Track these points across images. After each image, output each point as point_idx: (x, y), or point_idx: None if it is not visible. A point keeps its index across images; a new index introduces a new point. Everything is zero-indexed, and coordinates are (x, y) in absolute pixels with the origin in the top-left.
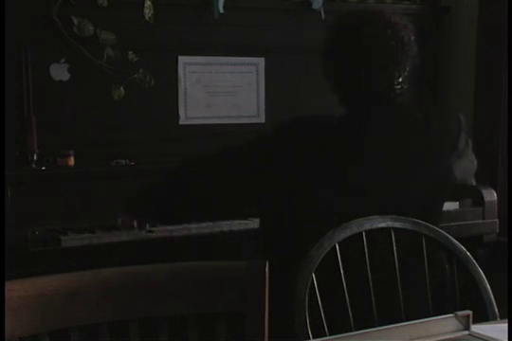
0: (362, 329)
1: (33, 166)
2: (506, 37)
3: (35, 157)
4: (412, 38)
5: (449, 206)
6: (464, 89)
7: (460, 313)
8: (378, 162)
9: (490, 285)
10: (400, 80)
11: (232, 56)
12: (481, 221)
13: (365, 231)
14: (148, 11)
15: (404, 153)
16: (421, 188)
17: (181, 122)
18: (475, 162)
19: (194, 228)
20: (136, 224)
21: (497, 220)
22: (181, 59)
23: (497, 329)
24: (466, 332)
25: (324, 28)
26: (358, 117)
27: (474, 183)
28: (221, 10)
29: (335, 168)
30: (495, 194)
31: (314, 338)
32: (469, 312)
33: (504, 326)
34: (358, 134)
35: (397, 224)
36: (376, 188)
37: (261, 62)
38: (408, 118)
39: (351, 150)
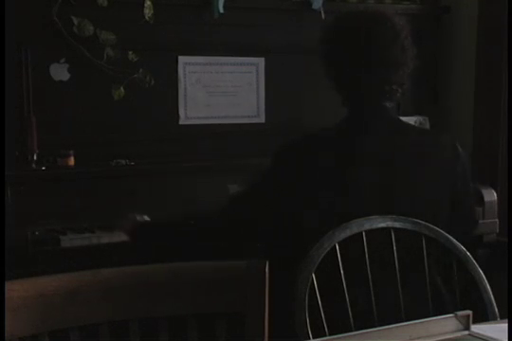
0: (362, 329)
1: (33, 166)
2: (506, 37)
3: (35, 157)
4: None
5: None
6: (464, 89)
7: (460, 313)
8: (379, 162)
9: (490, 285)
10: (401, 82)
11: (232, 56)
12: (481, 221)
13: (365, 231)
14: (148, 11)
15: (405, 154)
16: (422, 188)
17: (181, 122)
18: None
19: None
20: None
21: (497, 220)
22: (181, 59)
23: (497, 329)
24: (466, 332)
25: (326, 28)
26: (359, 118)
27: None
28: (221, 10)
29: (335, 168)
30: (495, 194)
31: (314, 338)
32: (469, 312)
33: (504, 326)
34: (359, 135)
35: (397, 224)
36: (377, 189)
37: (261, 62)
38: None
39: (351, 151)
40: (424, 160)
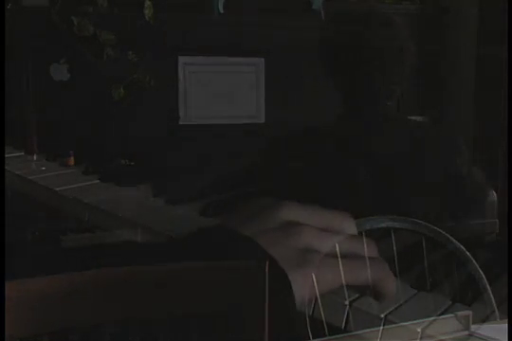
0: (362, 329)
1: (33, 166)
2: (506, 37)
3: (35, 157)
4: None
5: None
6: (464, 89)
7: (460, 313)
8: (379, 161)
9: (490, 285)
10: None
11: (232, 56)
12: (481, 221)
13: (365, 231)
14: (148, 11)
15: (404, 152)
16: (422, 187)
17: (181, 122)
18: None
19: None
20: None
21: (497, 220)
22: (181, 59)
23: (497, 329)
24: (466, 332)
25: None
26: (357, 117)
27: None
28: (221, 10)
29: (334, 168)
30: (495, 194)
31: (314, 338)
32: (469, 312)
33: (504, 326)
34: (357, 134)
35: (397, 224)
36: (377, 188)
37: (261, 62)
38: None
39: (350, 149)
40: (425, 158)
